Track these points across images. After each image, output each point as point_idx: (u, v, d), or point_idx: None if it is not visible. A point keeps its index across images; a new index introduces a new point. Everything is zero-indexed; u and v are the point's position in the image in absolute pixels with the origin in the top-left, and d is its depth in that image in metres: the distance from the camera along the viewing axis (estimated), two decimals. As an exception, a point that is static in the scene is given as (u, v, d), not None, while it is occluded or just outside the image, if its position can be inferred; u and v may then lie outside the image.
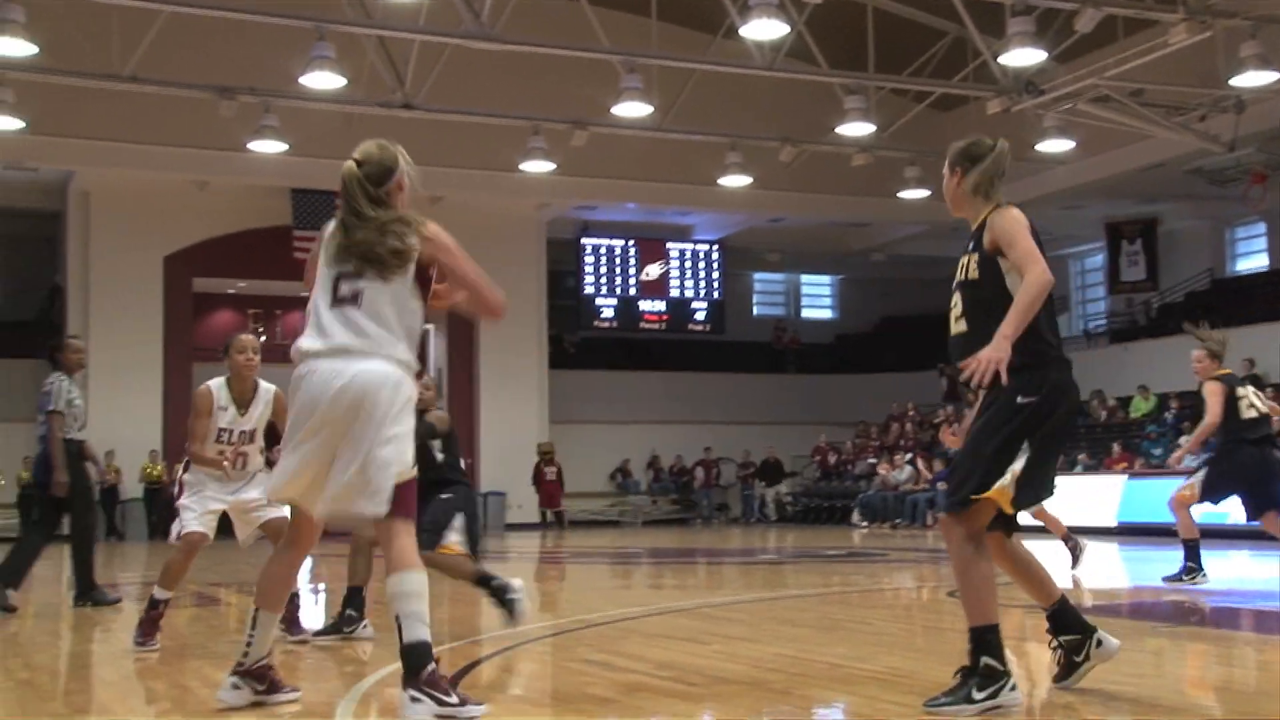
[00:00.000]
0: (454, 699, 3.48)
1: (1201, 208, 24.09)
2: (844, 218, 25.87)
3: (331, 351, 3.72)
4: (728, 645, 5.60)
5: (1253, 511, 8.05)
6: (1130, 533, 16.82)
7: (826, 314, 32.18)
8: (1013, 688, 3.70)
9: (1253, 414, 7.96)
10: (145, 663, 5.22)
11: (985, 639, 3.72)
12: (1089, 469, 19.67)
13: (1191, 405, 20.22)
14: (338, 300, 3.77)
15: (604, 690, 4.26)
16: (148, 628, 5.65)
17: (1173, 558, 9.12)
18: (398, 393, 3.68)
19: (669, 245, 27.32)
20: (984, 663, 3.70)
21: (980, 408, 3.93)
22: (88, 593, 7.96)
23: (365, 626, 5.98)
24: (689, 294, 27.57)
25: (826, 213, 25.24)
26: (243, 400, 5.90)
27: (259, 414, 5.93)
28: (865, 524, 22.34)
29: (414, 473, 3.69)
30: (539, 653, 5.64)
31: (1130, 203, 24.30)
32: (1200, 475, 8.19)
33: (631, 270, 26.99)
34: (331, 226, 3.88)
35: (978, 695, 3.68)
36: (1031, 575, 4.06)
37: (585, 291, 26.56)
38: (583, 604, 8.26)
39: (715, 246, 27.68)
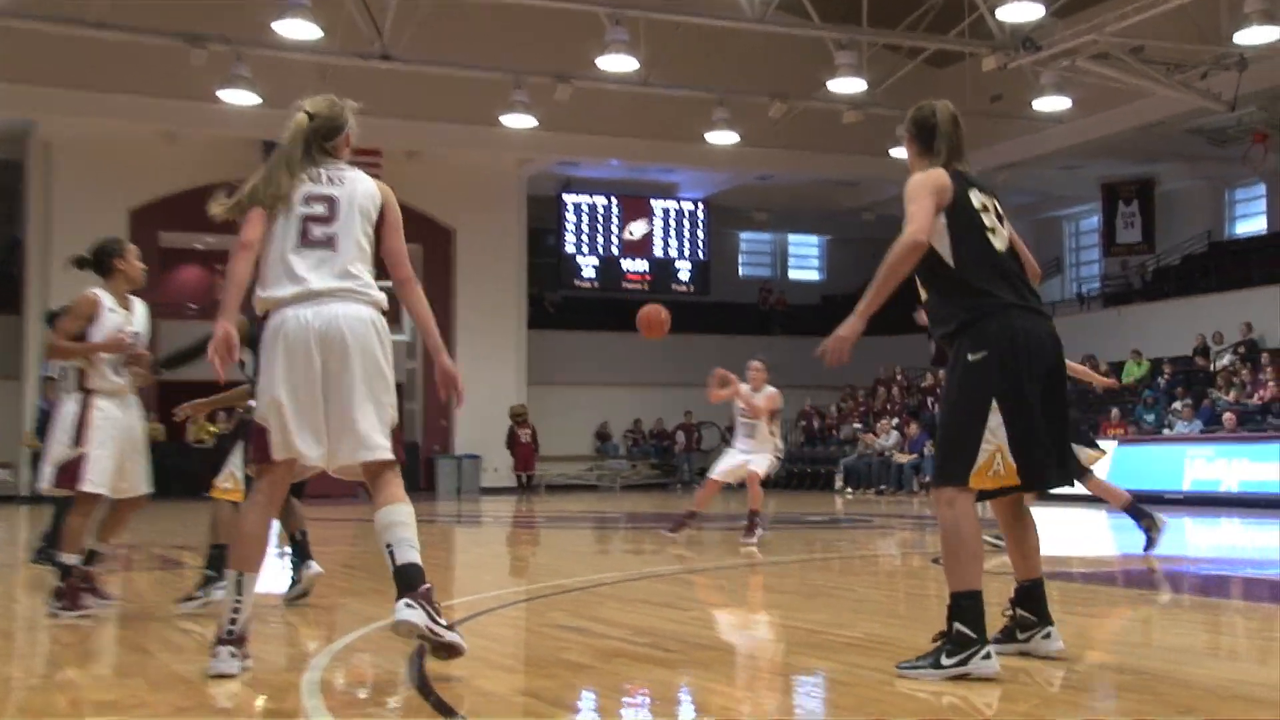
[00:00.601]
0: (443, 621, 3.76)
1: (1200, 168, 24.10)
2: (834, 176, 25.80)
3: (311, 296, 3.82)
4: (707, 612, 5.62)
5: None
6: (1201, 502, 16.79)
7: (814, 275, 32.17)
8: (986, 656, 3.72)
9: None
10: (105, 625, 5.19)
11: (961, 605, 3.76)
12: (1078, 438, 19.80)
13: (1185, 371, 20.37)
14: (309, 243, 3.88)
15: (579, 656, 4.27)
16: (70, 595, 5.43)
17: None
18: (384, 336, 3.89)
19: (653, 203, 27.22)
20: (956, 629, 3.74)
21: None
22: (47, 552, 7.91)
23: (310, 566, 5.92)
24: (673, 253, 27.52)
25: (816, 171, 25.17)
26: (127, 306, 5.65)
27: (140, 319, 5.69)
28: (849, 490, 22.44)
29: (396, 420, 3.90)
30: (512, 618, 5.65)
31: (1127, 163, 24.29)
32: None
33: (614, 229, 26.89)
34: (275, 173, 3.95)
35: (946, 661, 3.73)
36: (1024, 544, 4.09)
37: (566, 250, 26.45)
38: (558, 569, 8.27)
39: (700, 205, 27.61)
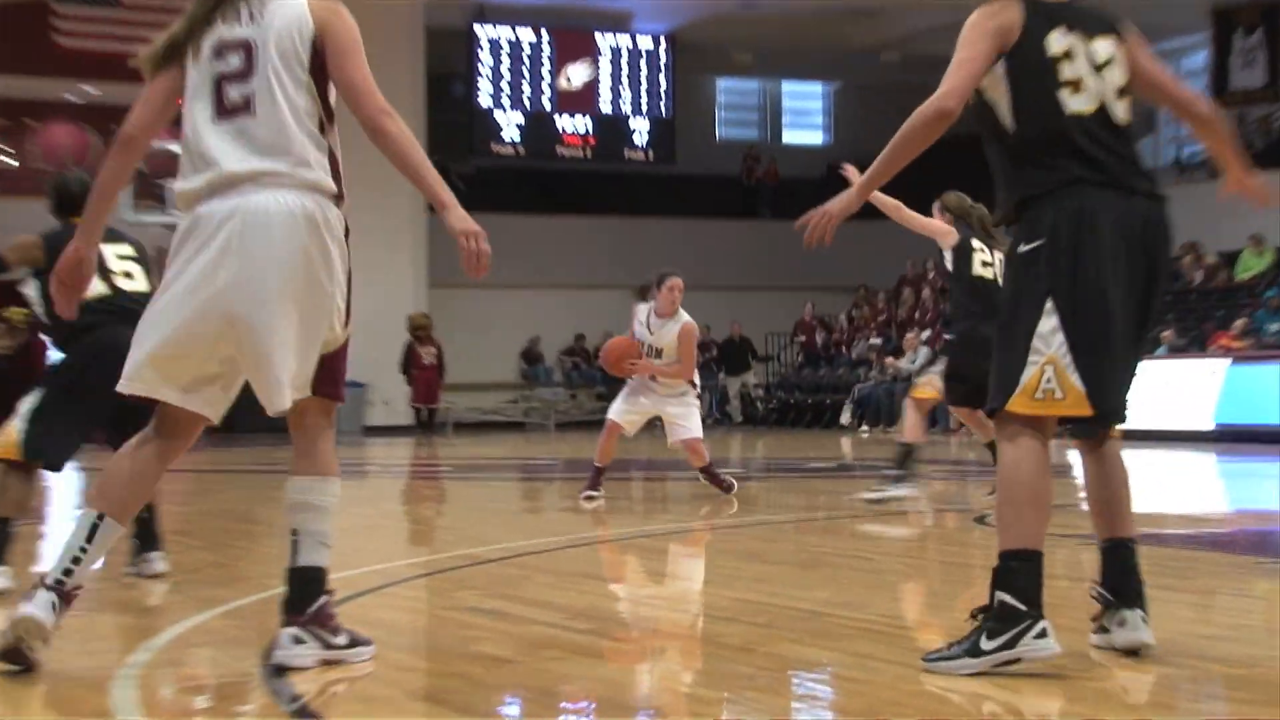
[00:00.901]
0: (342, 639, 4.00)
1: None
2: (843, 2, 25.63)
3: (226, 184, 3.91)
4: (669, 587, 5.67)
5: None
6: (1233, 438, 17.15)
7: (816, 137, 32.13)
8: (1041, 633, 3.77)
9: None
10: None
11: (1009, 568, 3.82)
12: (1178, 350, 19.99)
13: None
14: (225, 111, 3.97)
15: (496, 647, 4.28)
16: None
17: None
18: (327, 231, 3.94)
19: (598, 38, 26.98)
20: (999, 600, 3.80)
21: None
22: None
23: (151, 560, 5.96)
24: (625, 109, 27.34)
25: (814, -6, 24.95)
26: None
27: None
28: (863, 428, 22.64)
29: (343, 339, 4.05)
30: (406, 599, 5.67)
31: (1247, -20, 24.30)
32: (939, 368, 8.70)
33: (545, 74, 26.69)
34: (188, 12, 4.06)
35: (987, 645, 3.79)
36: (1100, 492, 4.12)
37: (480, 104, 26.21)
38: (469, 534, 8.30)
39: (663, 41, 27.39)
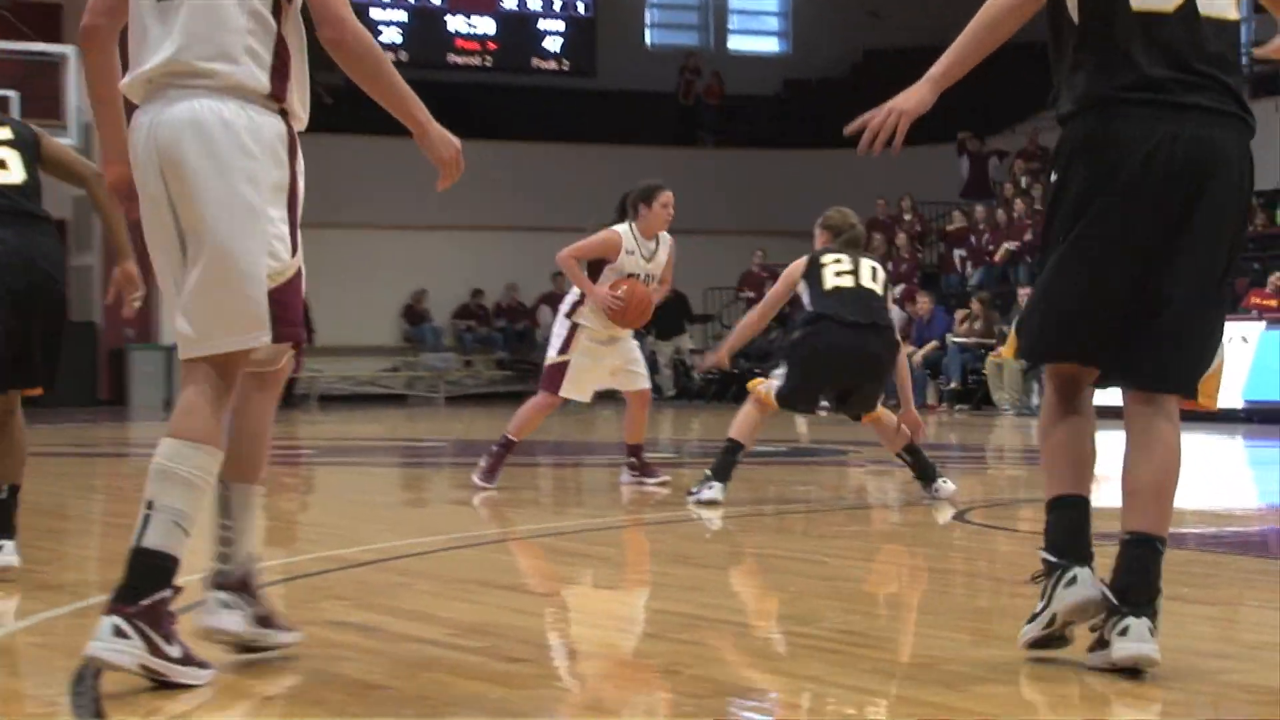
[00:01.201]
0: (175, 650, 3.98)
1: None
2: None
3: (151, 85, 4.09)
4: (580, 597, 5.70)
5: None
6: (1266, 419, 17.39)
7: (771, 45, 32.27)
8: (1071, 581, 4.16)
9: None
10: None
11: (1046, 520, 4.30)
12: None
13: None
14: None
15: (365, 669, 4.30)
16: None
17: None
18: (248, 136, 4.07)
19: (500, -83, 26.97)
20: (1041, 557, 4.27)
21: None
22: None
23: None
24: (534, 6, 27.29)
25: None
26: None
27: None
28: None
29: (290, 271, 4.15)
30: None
31: None
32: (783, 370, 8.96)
33: (434, -39, 26.63)
34: None
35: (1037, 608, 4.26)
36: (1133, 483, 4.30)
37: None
38: (335, 532, 8.30)
39: (582, -78, 27.41)
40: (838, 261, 8.85)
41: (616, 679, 4.42)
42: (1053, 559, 4.23)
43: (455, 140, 4.34)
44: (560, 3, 27.44)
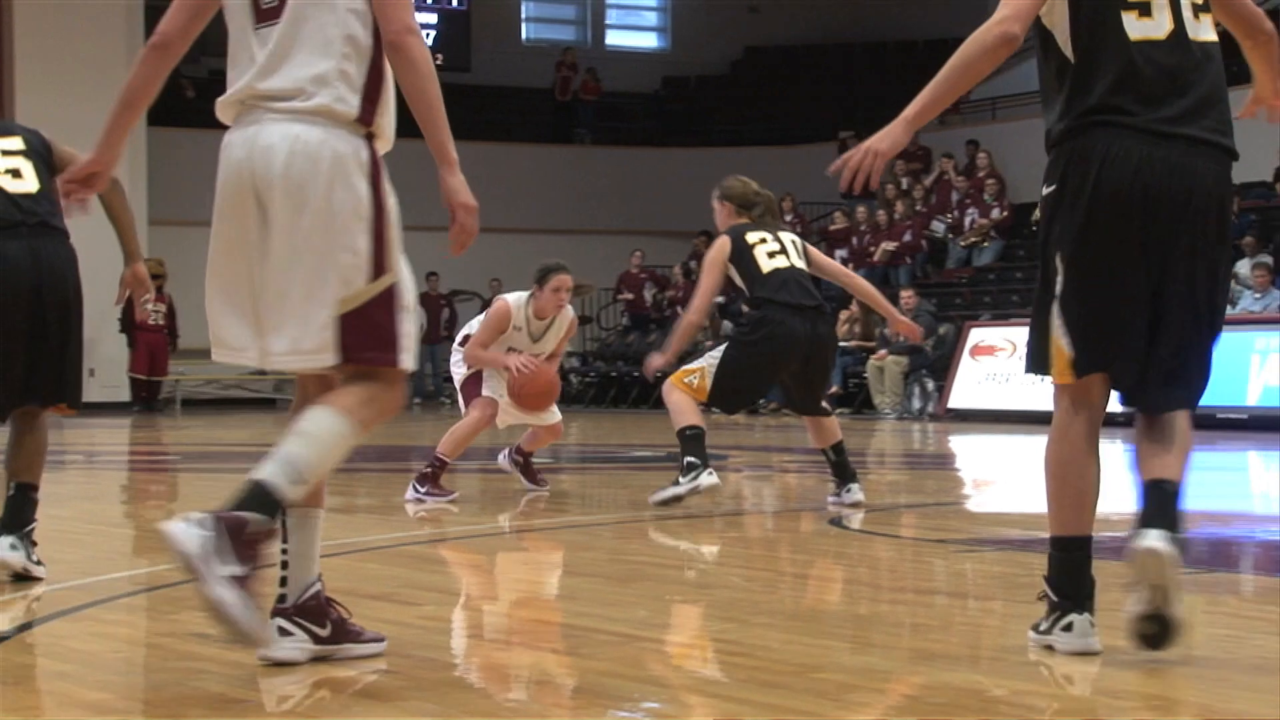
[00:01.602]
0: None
1: None
2: None
3: (240, 105, 4.33)
4: (450, 605, 5.69)
5: None
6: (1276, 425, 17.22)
7: (650, 41, 32.34)
8: (1068, 627, 4.38)
9: None
10: None
11: (1050, 553, 4.50)
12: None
13: (1260, 209, 21.10)
14: (261, 16, 4.33)
15: (224, 684, 4.27)
16: None
17: (1204, 462, 9.53)
18: (326, 168, 4.24)
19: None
20: (1043, 588, 4.52)
21: None
22: None
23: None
24: None
25: None
26: None
27: None
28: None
29: (371, 292, 4.28)
30: (114, 622, 5.63)
31: None
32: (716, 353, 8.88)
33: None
34: None
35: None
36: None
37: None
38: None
39: (456, -87, 27.35)
40: (764, 241, 8.72)
41: (480, 690, 4.41)
42: (1054, 598, 4.46)
43: (471, 198, 4.53)
44: (433, -3, 27.38)
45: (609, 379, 25.83)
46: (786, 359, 8.59)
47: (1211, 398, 13.61)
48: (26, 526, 6.05)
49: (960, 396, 20.44)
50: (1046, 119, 4.49)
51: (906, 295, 21.19)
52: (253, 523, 4.07)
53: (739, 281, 8.76)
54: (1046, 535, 4.50)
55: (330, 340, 4.22)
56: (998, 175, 25.03)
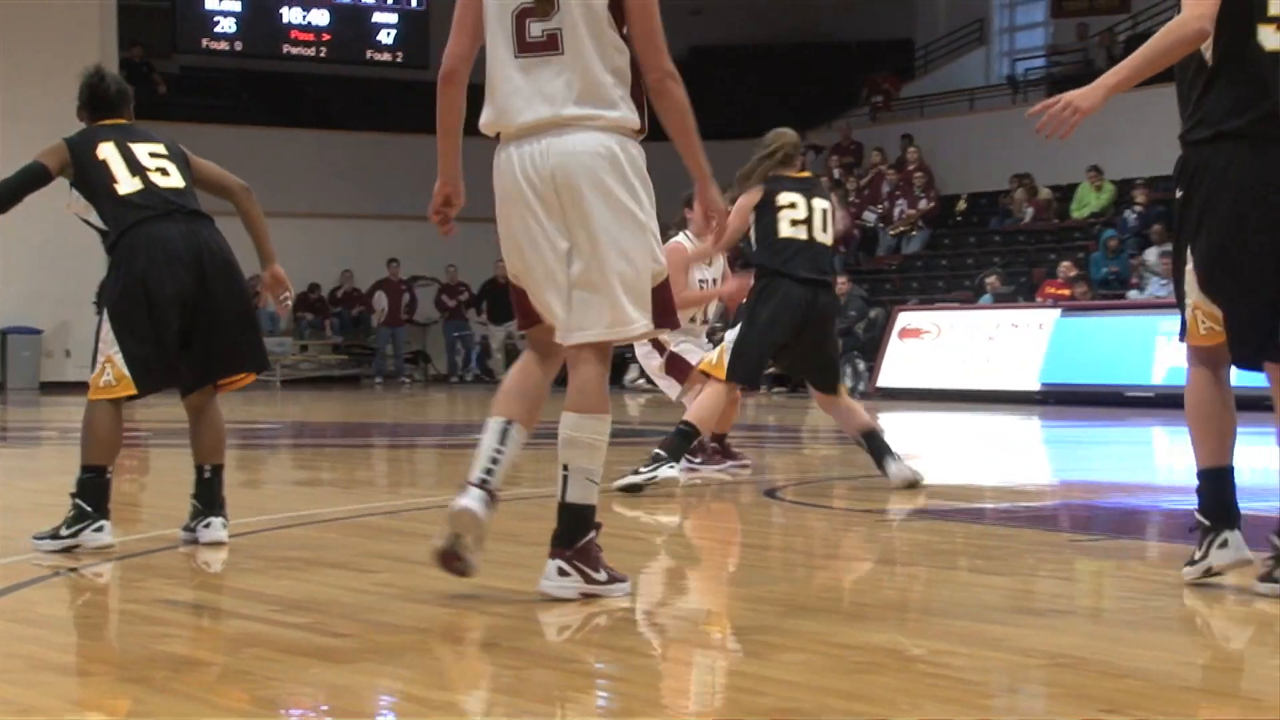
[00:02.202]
0: (602, 575, 4.84)
1: None
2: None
3: (526, 131, 4.78)
4: (404, 574, 5.70)
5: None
6: (1060, 400, 17.84)
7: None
8: (1224, 544, 4.84)
9: None
10: None
11: (1198, 485, 4.90)
12: (1003, 299, 20.66)
13: (1167, 201, 21.36)
14: (525, 47, 4.76)
15: (189, 646, 4.30)
16: None
17: (1112, 437, 9.65)
18: (623, 169, 4.77)
19: (336, -89, 26.75)
20: (1196, 518, 4.93)
21: None
22: None
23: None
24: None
25: None
26: None
27: None
28: (642, 380, 22.89)
29: (664, 273, 4.93)
30: (83, 589, 5.63)
31: None
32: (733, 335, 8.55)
33: (271, -47, 26.32)
34: None
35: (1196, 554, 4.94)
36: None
37: (187, -12, 25.76)
38: (169, 513, 8.16)
39: (415, -82, 27.26)
40: (793, 207, 8.42)
41: (436, 652, 4.42)
42: (1206, 523, 4.85)
43: (723, 206, 5.08)
44: (394, -4, 27.28)
45: (560, 359, 25.93)
46: (786, 327, 8.28)
47: (1120, 377, 14.09)
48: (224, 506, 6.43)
49: (889, 376, 20.56)
50: (1187, 118, 4.79)
51: (840, 281, 21.14)
52: (586, 542, 4.81)
53: (753, 236, 8.52)
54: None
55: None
56: (926, 169, 25.14)
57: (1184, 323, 4.92)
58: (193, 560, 6.14)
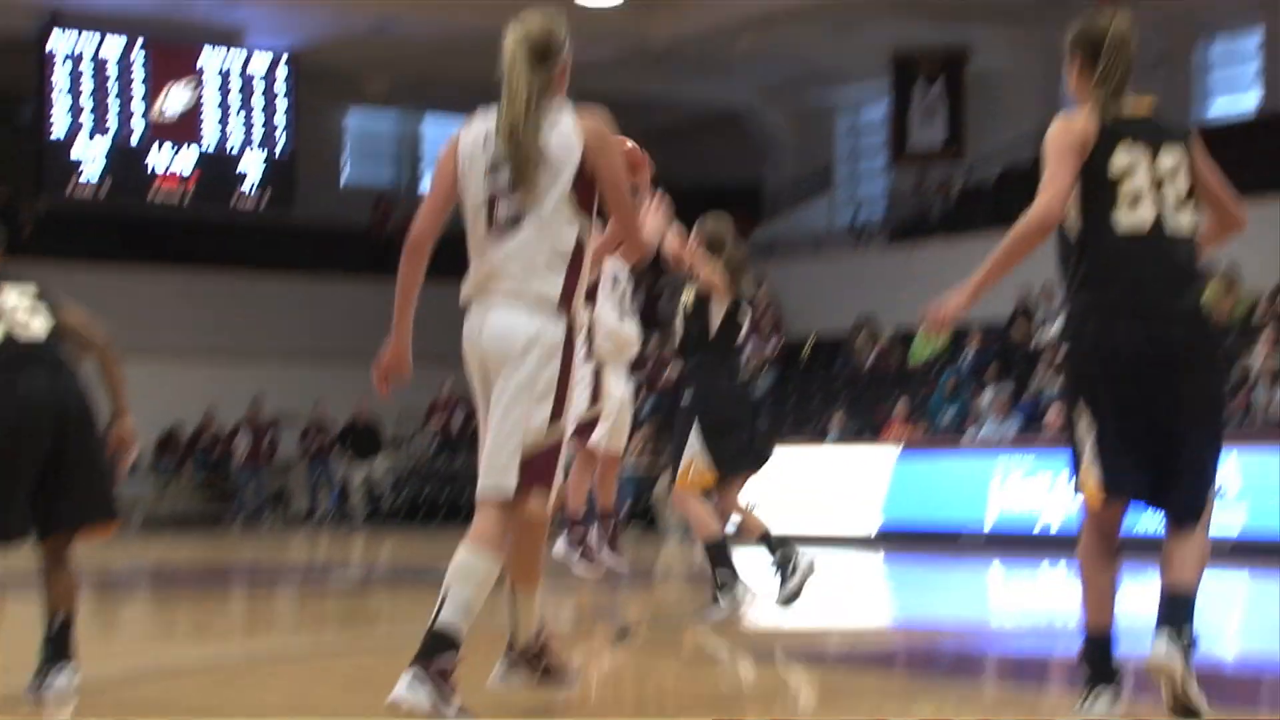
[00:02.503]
0: (453, 708, 4.86)
1: (1032, 35, 25.41)
2: (484, 25, 25.96)
3: (477, 289, 5.17)
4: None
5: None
6: (903, 539, 17.89)
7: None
8: (1097, 697, 4.92)
9: None
10: None
11: (1082, 644, 5.06)
12: (844, 438, 20.80)
13: (1000, 344, 21.79)
14: (494, 226, 5.10)
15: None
16: None
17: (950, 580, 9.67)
18: (525, 346, 5.03)
19: (205, 54, 26.75)
20: (1081, 666, 5.09)
21: None
22: None
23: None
24: (235, 142, 27.06)
25: (456, 17, 25.22)
26: None
27: None
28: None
29: (554, 438, 5.06)
30: None
31: (929, 26, 25.60)
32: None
33: (137, 96, 26.27)
34: (480, 126, 5.17)
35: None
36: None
37: (53, 132, 25.58)
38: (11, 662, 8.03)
39: (282, 62, 27.32)
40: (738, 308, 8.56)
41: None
42: (1089, 672, 5.01)
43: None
44: (261, 139, 27.07)
45: (420, 500, 25.78)
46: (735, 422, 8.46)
47: (955, 517, 13.93)
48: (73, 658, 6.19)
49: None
50: (1065, 291, 5.10)
51: None
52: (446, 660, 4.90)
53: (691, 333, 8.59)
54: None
55: None
56: (776, 309, 25.38)
57: (1077, 476, 5.11)
58: (38, 715, 5.95)
